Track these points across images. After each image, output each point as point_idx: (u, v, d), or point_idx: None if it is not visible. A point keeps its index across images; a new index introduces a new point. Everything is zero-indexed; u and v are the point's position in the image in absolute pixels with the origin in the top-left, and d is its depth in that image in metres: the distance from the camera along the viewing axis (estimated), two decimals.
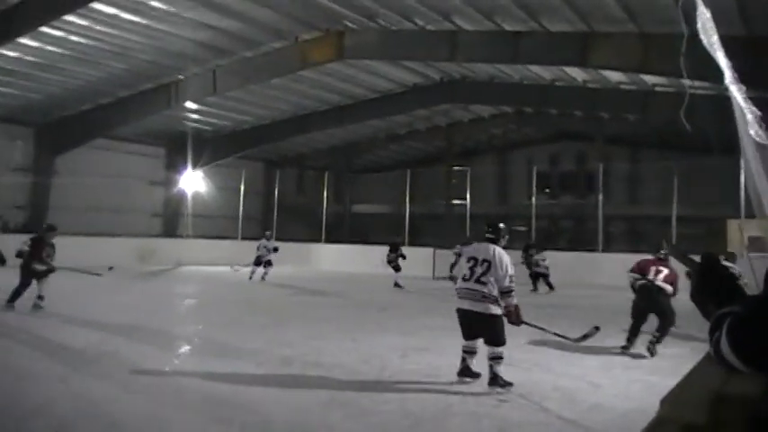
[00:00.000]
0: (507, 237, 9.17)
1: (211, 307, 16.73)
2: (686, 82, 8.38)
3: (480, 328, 8.54)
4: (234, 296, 19.44)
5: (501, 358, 8.39)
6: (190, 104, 28.22)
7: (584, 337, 9.70)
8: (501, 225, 9.15)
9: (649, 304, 11.51)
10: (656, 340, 11.35)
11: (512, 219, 37.67)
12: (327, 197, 36.80)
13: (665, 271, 11.48)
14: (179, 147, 32.66)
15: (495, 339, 8.42)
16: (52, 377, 8.10)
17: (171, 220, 34.60)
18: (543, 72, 25.15)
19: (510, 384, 8.28)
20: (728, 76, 7.46)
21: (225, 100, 28.20)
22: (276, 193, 37.26)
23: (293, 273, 27.98)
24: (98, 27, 20.51)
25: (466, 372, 8.73)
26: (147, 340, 11.21)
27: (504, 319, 8.54)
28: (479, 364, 8.63)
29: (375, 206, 40.69)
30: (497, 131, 37.19)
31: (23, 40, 20.52)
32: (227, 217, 35.67)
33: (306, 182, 43.13)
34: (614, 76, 23.77)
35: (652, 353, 11.15)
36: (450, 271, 27.07)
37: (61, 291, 18.26)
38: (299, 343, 11.23)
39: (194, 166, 32.23)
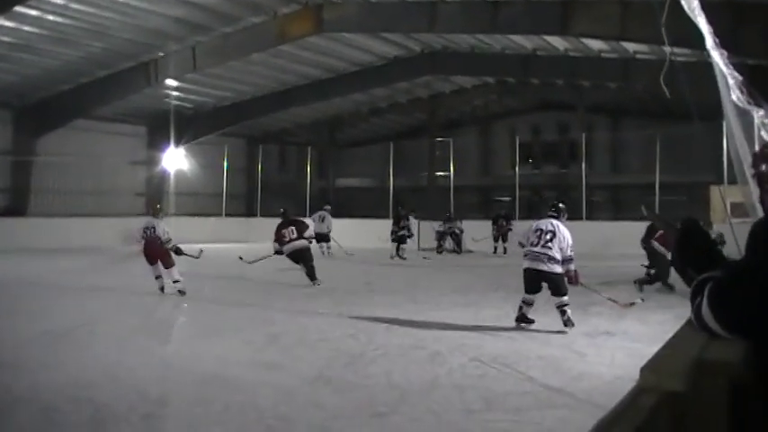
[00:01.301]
0: (566, 215, 11.26)
1: (196, 286, 16.66)
2: (667, 48, 8.33)
3: (547, 283, 10.51)
4: (218, 274, 19.39)
5: (567, 305, 10.40)
6: (170, 82, 27.95)
7: (632, 304, 12.00)
8: (561, 205, 11.26)
9: None
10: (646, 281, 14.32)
11: (495, 189, 37.92)
12: (311, 172, 36.72)
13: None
14: (160, 125, 32.41)
15: (559, 291, 10.40)
16: (35, 364, 8.05)
17: (154, 200, 34.40)
18: (524, 42, 25.04)
19: (573, 324, 10.36)
20: (710, 41, 7.42)
21: (205, 77, 27.97)
22: (259, 169, 37.15)
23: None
24: (75, 6, 20.19)
25: (523, 318, 10.67)
26: (132, 321, 11.18)
27: (565, 279, 10.53)
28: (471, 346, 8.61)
29: (359, 180, 40.59)
30: (479, 102, 37.05)
31: None
32: (210, 194, 35.55)
33: (289, 157, 42.96)
34: (595, 44, 23.70)
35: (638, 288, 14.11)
36: (438, 245, 27.34)
37: (42, 274, 18.22)
38: (285, 320, 11.25)
39: (176, 144, 32.03)
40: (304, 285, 15.95)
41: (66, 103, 27.72)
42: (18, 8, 19.32)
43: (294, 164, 41.64)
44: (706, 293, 1.96)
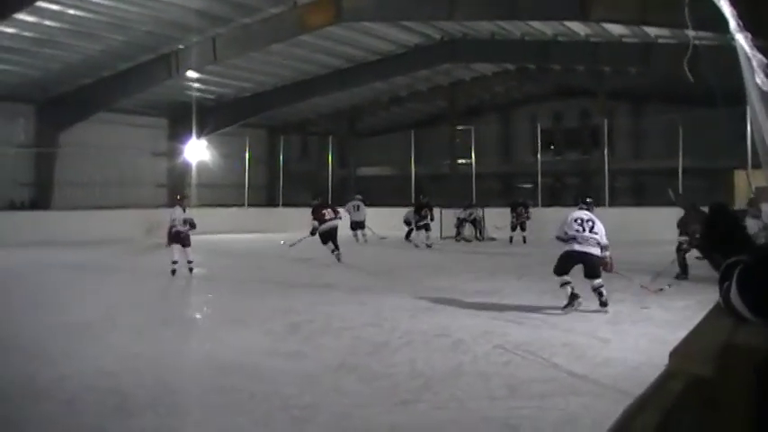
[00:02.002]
0: (594, 208, 11.82)
1: (219, 276, 16.76)
2: (690, 32, 8.25)
3: (588, 264, 11.04)
4: (241, 264, 19.47)
5: (603, 286, 11.03)
6: (191, 74, 28.00)
7: (661, 290, 12.48)
8: (589, 199, 11.94)
9: None
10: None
11: (517, 177, 37.77)
12: (332, 162, 36.72)
13: None
14: (181, 117, 32.51)
15: (597, 273, 11.05)
16: (59, 355, 8.12)
17: (176, 191, 34.54)
18: (544, 27, 24.91)
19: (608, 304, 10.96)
20: (733, 24, 7.34)
21: (226, 68, 28.02)
22: (280, 159, 37.19)
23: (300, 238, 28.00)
24: None
25: (574, 297, 11.08)
26: (156, 311, 11.25)
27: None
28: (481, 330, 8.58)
29: (380, 168, 40.53)
30: (500, 89, 36.89)
31: (20, 16, 20.32)
32: (232, 185, 35.64)
33: (310, 147, 42.97)
34: (616, 29, 23.52)
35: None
36: (457, 233, 27.25)
37: (65, 266, 18.36)
38: (307, 309, 11.25)
39: (198, 135, 32.09)
40: (326, 275, 15.97)
41: (88, 96, 27.84)
42: (39, 3, 19.42)
43: (315, 153, 41.63)
44: (735, 277, 1.95)
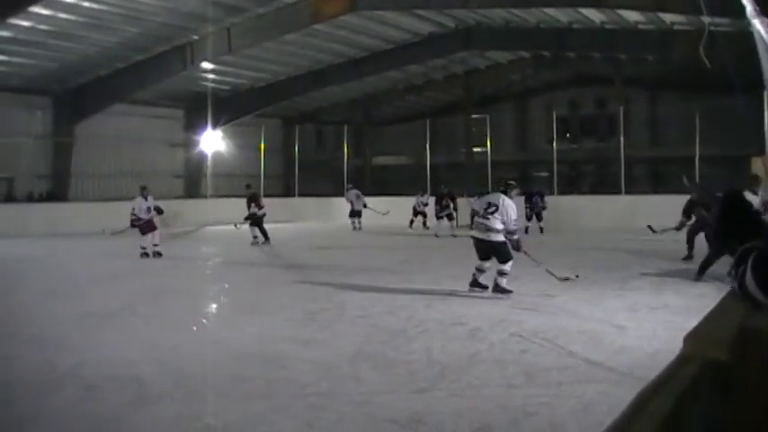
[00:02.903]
0: (516, 191, 12.15)
1: (236, 265, 16.83)
2: (705, 19, 8.20)
3: (489, 251, 11.29)
4: (258, 254, 19.53)
5: (506, 273, 11.16)
6: (206, 65, 28.10)
7: (566, 278, 12.29)
8: (511, 182, 12.01)
9: None
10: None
11: (533, 165, 37.70)
12: (347, 151, 36.74)
13: None
14: (197, 107, 32.61)
15: (502, 258, 11.14)
16: (78, 343, 8.19)
17: (192, 182, 34.72)
18: (560, 15, 24.82)
19: (510, 291, 11.12)
20: (750, 9, 7.29)
21: (241, 58, 28.07)
22: (296, 148, 37.23)
23: (316, 227, 28.09)
24: None
25: (475, 284, 11.43)
26: (175, 301, 11.31)
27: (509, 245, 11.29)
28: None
29: (395, 158, 40.56)
30: (515, 77, 36.82)
31: (36, 9, 20.42)
32: (247, 175, 35.61)
33: (325, 136, 43.03)
34: (632, 15, 23.40)
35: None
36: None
37: (85, 254, 18.49)
38: (324, 297, 11.28)
39: (213, 126, 32.18)
40: (342, 263, 15.99)
41: (104, 87, 27.97)
42: None
43: (330, 143, 41.65)
44: (750, 262, 1.95)
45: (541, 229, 24.35)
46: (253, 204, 20.85)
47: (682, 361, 1.56)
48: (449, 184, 26.45)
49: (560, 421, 5.50)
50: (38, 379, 6.71)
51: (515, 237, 11.39)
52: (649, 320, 9.13)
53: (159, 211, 18.23)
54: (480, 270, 11.47)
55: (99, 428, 5.48)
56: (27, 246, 19.89)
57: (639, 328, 8.65)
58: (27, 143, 27.73)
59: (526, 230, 24.01)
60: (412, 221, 26.87)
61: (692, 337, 1.67)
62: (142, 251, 17.69)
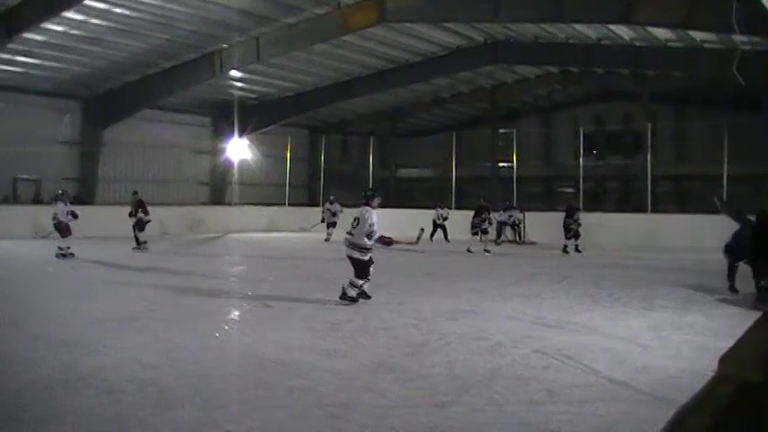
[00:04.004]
0: (378, 200, 12.07)
1: (260, 273, 16.87)
2: (738, 38, 8.16)
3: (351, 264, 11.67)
4: (281, 262, 19.58)
5: (354, 286, 11.58)
6: (234, 73, 28.29)
7: (418, 239, 13.31)
8: (368, 192, 12.13)
9: None
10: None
11: (558, 180, 37.59)
12: (372, 162, 36.79)
13: None
14: (224, 115, 32.84)
15: (357, 274, 11.59)
16: (101, 346, 8.22)
17: (218, 189, 34.92)
18: (588, 31, 24.77)
19: (356, 301, 11.51)
20: None
21: (269, 67, 28.23)
22: (322, 159, 37.35)
23: (340, 237, 28.08)
24: None
25: (343, 296, 11.65)
26: (197, 306, 11.34)
27: (364, 264, 11.67)
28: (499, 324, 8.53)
29: (420, 170, 40.63)
30: (542, 92, 36.81)
31: (68, 14, 20.66)
32: (273, 184, 35.90)
33: (351, 147, 43.17)
34: (661, 33, 23.31)
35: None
36: (498, 235, 27.11)
37: (108, 261, 18.61)
38: (346, 308, 11.28)
39: (240, 134, 32.39)
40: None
41: (133, 93, 28.23)
42: (87, 1, 19.71)
43: (356, 154, 41.78)
44: None
45: (576, 248, 22.88)
46: (140, 210, 21.20)
47: (717, 381, 1.54)
48: (473, 196, 26.37)
49: None
50: (61, 380, 6.75)
51: (376, 236, 11.67)
52: (674, 340, 9.05)
53: (75, 215, 19.09)
54: (355, 285, 11.69)
55: (121, 430, 5.48)
56: (52, 248, 20.02)
57: (664, 348, 8.57)
58: (55, 146, 28.02)
59: (565, 249, 22.80)
60: (432, 234, 26.77)
61: (727, 359, 1.64)
62: (59, 252, 18.59)
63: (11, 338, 8.69)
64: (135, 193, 22.76)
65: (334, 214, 27.11)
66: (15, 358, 7.65)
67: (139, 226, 21.30)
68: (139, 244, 21.30)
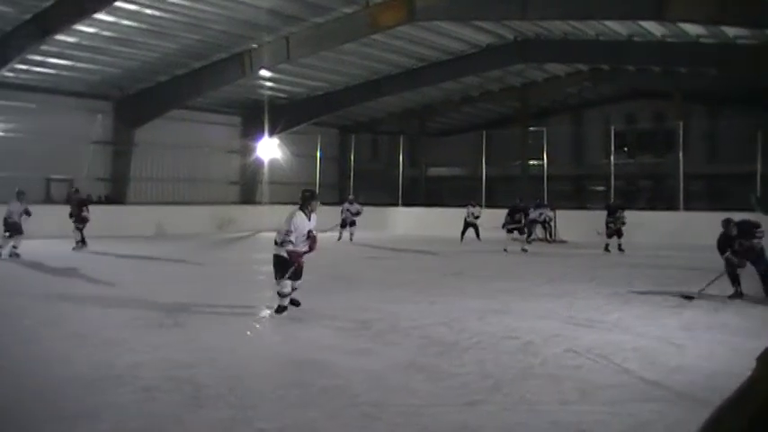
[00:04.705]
0: (315, 202, 11.10)
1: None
2: None
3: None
4: (311, 262, 19.56)
5: (281, 295, 10.64)
6: (264, 73, 28.39)
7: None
8: (306, 194, 11.21)
9: None
10: None
11: (589, 179, 37.37)
12: (402, 161, 36.78)
13: None
14: (254, 115, 32.99)
15: (278, 274, 10.78)
16: (136, 344, 8.32)
17: (248, 188, 35.08)
18: (619, 27, 24.59)
19: (284, 308, 10.58)
20: None
21: (298, 67, 28.30)
22: (351, 158, 37.39)
23: (370, 237, 28.14)
24: None
25: (279, 309, 10.63)
26: (229, 306, 11.39)
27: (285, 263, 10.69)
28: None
29: (450, 169, 40.53)
30: (573, 90, 36.59)
31: (100, 16, 20.84)
32: (303, 183, 35.87)
33: (380, 146, 43.16)
34: (693, 29, 23.10)
35: None
36: (529, 233, 26.96)
37: (141, 260, 18.76)
38: (377, 307, 11.30)
39: (270, 133, 32.52)
40: (395, 274, 15.99)
41: (163, 93, 28.43)
42: (117, 3, 19.88)
43: (386, 153, 41.74)
44: None
45: (620, 246, 22.43)
46: (84, 208, 21.01)
47: (754, 381, 1.53)
48: (503, 195, 26.25)
49: None
50: (97, 377, 6.84)
51: (288, 247, 10.61)
52: (707, 340, 8.98)
53: (28, 213, 18.92)
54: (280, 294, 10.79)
55: (156, 427, 5.55)
56: (87, 247, 20.25)
57: (696, 348, 8.50)
58: (87, 147, 28.32)
59: (606, 248, 22.49)
60: (463, 234, 26.68)
61: (765, 358, 1.63)
62: (12, 251, 18.53)
63: (49, 338, 8.81)
64: (76, 191, 22.66)
65: (356, 214, 26.68)
66: (54, 357, 7.76)
67: (79, 222, 21.04)
68: (78, 243, 20.99)
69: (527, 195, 29.94)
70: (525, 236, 23.63)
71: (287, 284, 10.65)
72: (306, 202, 10.94)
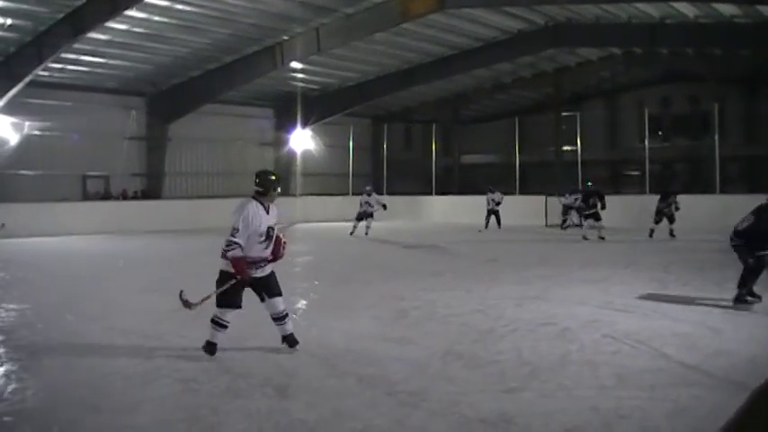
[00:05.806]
0: (275, 192, 7.84)
1: (326, 263, 17.00)
2: None
3: None
4: (348, 252, 19.68)
5: (214, 321, 7.56)
6: (295, 65, 28.42)
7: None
8: (265, 176, 7.91)
9: None
10: None
11: (624, 164, 37.04)
12: (435, 150, 36.68)
13: None
14: (287, 107, 33.09)
15: (219, 298, 7.66)
16: (174, 336, 8.44)
17: (282, 179, 35.12)
18: (651, 10, 24.27)
19: (213, 346, 7.46)
20: None
21: (329, 58, 28.30)
22: (384, 147, 37.36)
23: (404, 226, 28.16)
24: None
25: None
26: None
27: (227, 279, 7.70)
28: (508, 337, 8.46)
29: (484, 156, 40.36)
30: (606, 74, 36.23)
31: (131, 13, 20.95)
32: (336, 174, 36.04)
33: (413, 135, 43.01)
34: (727, 9, 22.76)
35: None
36: (563, 220, 26.81)
37: (177, 254, 18.92)
38: (413, 296, 11.31)
39: (303, 125, 32.61)
40: (431, 262, 15.99)
41: (196, 88, 28.57)
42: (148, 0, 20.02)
43: (419, 142, 41.60)
44: None
45: (671, 232, 21.94)
46: None
47: None
48: (537, 182, 26.05)
49: (654, 425, 5.40)
50: (137, 370, 6.96)
51: (229, 255, 7.65)
52: (746, 324, 8.90)
53: None
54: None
55: (195, 417, 5.60)
56: (124, 242, 20.49)
57: (736, 332, 8.43)
58: (122, 143, 28.59)
59: (651, 234, 22.03)
60: (487, 221, 26.52)
61: None
62: None
63: (88, 332, 8.93)
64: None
65: (372, 205, 24.24)
66: (93, 351, 7.87)
67: None
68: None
69: (561, 181, 29.79)
70: (601, 222, 21.97)
71: (225, 312, 7.56)
72: (265, 189, 7.69)
